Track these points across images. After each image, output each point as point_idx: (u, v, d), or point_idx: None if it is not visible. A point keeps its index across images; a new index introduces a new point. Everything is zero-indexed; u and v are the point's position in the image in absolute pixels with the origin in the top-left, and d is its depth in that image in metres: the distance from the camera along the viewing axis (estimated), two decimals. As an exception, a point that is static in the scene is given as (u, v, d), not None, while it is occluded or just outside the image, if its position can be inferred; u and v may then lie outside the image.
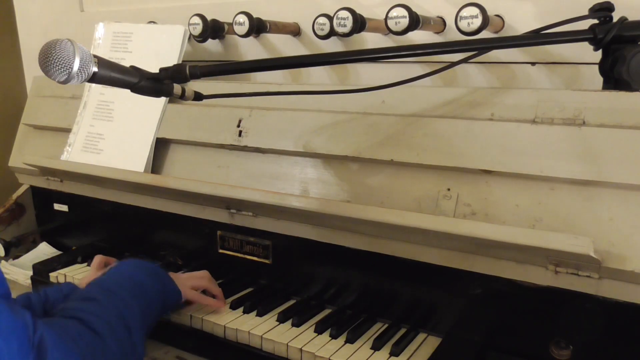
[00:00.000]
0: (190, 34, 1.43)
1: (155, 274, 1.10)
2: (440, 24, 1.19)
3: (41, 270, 1.42)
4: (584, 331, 0.92)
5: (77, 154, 1.50)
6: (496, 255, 0.96)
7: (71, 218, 1.61)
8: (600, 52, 0.95)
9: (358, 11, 1.14)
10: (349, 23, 1.13)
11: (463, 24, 1.05)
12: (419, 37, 1.21)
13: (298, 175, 1.17)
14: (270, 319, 1.15)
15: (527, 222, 0.93)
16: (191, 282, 1.19)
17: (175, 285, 1.12)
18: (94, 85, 1.47)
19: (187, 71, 0.91)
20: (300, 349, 1.04)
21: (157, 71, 0.92)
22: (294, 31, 1.40)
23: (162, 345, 1.17)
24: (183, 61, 1.38)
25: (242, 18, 1.32)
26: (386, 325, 1.12)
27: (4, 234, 1.65)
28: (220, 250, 1.31)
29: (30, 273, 1.43)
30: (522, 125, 0.95)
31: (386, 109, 1.09)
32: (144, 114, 1.40)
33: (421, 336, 1.09)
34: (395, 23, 1.08)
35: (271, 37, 1.45)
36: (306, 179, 1.16)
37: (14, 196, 1.68)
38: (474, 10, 1.03)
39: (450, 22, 1.17)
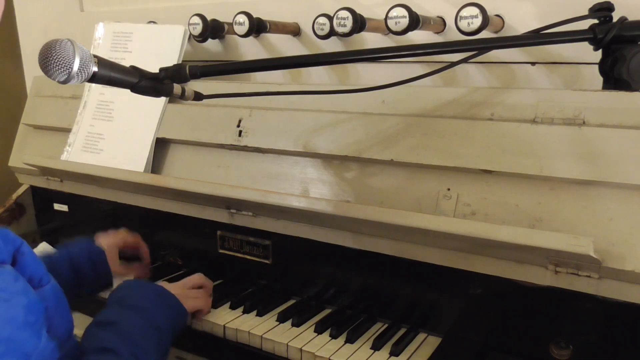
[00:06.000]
0: (190, 34, 1.43)
1: (162, 297, 1.06)
2: (440, 24, 1.19)
3: (41, 270, 1.42)
4: (584, 331, 0.92)
5: (77, 154, 1.50)
6: (496, 255, 0.96)
7: (71, 218, 1.61)
8: (600, 52, 0.95)
9: (358, 11, 1.14)
10: (349, 23, 1.13)
11: (463, 24, 1.05)
12: (419, 37, 1.21)
13: (298, 175, 1.17)
14: (270, 319, 1.15)
15: (527, 222, 0.93)
16: (188, 289, 1.15)
17: (182, 307, 1.08)
18: (94, 85, 1.47)
19: (187, 71, 0.91)
20: (300, 349, 1.04)
21: (157, 71, 0.92)
22: (294, 31, 1.40)
23: (162, 345, 1.17)
24: (183, 61, 1.38)
25: (242, 18, 1.32)
26: (386, 325, 1.12)
27: (4, 234, 1.64)
28: (220, 250, 1.31)
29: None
30: (522, 125, 0.95)
31: (386, 109, 1.09)
32: (144, 114, 1.40)
33: (421, 336, 1.09)
34: (395, 23, 1.08)
35: (271, 37, 1.45)
36: (306, 179, 1.16)
37: (14, 196, 1.68)
38: (474, 10, 1.03)
39: (450, 22, 1.17)
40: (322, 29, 1.25)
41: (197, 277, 1.22)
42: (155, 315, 1.00)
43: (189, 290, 1.16)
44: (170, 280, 1.33)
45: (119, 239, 1.28)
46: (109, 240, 1.25)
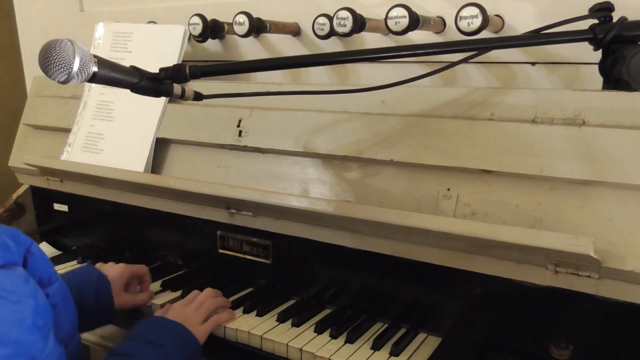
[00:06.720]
0: (190, 34, 1.43)
1: (179, 336, 1.06)
2: (440, 24, 1.19)
3: (41, 270, 1.41)
4: (584, 331, 0.92)
5: (77, 154, 1.50)
6: (496, 255, 0.96)
7: (71, 218, 1.61)
8: (600, 52, 0.95)
9: (358, 11, 1.14)
10: (349, 23, 1.13)
11: (463, 24, 1.05)
12: (419, 37, 1.21)
13: (298, 175, 1.17)
14: (270, 319, 1.15)
15: (527, 222, 0.93)
16: (202, 316, 1.13)
17: (196, 343, 1.07)
18: (94, 85, 1.47)
19: (187, 71, 0.91)
20: (300, 349, 1.04)
21: (157, 71, 0.92)
22: (294, 31, 1.40)
23: (162, 345, 1.17)
24: (183, 61, 1.38)
25: (242, 18, 1.32)
26: (386, 325, 1.12)
27: (4, 234, 1.64)
28: (220, 250, 1.31)
29: (30, 273, 1.43)
30: (522, 125, 0.95)
31: (386, 109, 1.09)
32: (144, 114, 1.40)
33: (421, 336, 1.09)
34: (395, 23, 1.08)
35: (271, 37, 1.45)
36: (306, 179, 1.16)
37: (14, 196, 1.68)
38: (474, 10, 1.03)
39: (450, 22, 1.17)
40: (322, 29, 1.25)
41: (210, 305, 1.18)
42: (171, 352, 1.01)
43: (201, 312, 1.14)
44: (171, 280, 1.33)
45: (126, 272, 1.24)
46: (116, 273, 1.21)
